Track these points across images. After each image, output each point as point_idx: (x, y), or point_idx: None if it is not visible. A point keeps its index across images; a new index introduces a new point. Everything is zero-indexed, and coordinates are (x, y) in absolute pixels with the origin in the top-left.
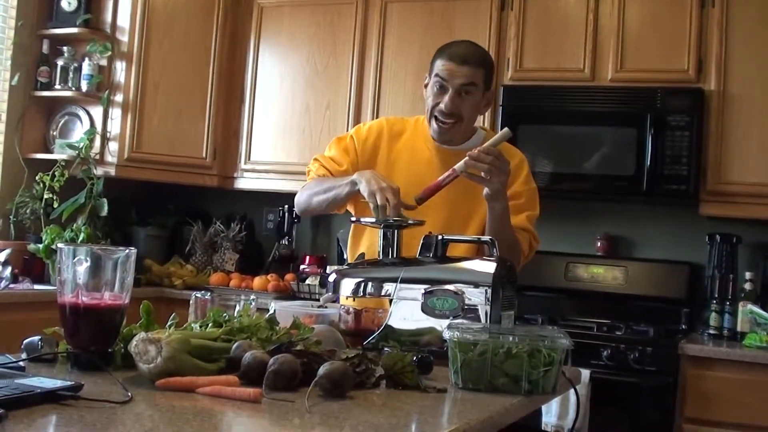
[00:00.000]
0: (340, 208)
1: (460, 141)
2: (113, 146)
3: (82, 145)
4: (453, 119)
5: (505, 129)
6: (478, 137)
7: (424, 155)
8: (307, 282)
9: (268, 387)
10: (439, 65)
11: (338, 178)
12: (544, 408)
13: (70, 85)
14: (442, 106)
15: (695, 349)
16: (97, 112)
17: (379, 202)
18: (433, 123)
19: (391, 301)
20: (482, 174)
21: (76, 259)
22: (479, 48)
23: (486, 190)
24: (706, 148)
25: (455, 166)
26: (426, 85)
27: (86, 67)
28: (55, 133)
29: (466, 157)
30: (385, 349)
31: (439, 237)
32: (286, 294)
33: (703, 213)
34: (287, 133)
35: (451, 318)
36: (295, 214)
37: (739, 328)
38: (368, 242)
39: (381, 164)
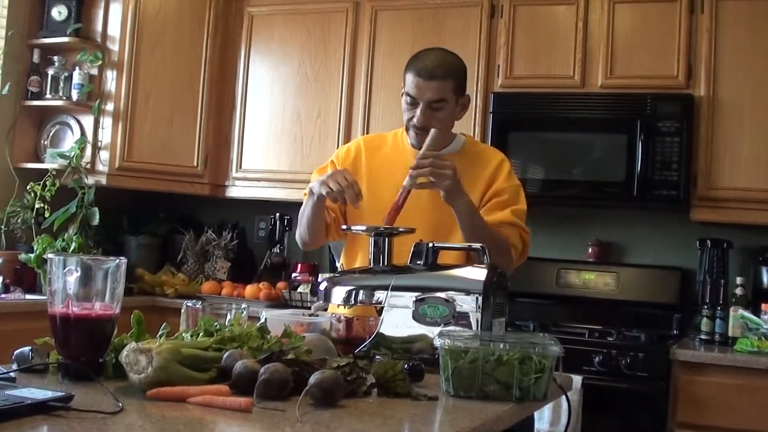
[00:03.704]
0: (327, 228)
1: (439, 147)
2: (104, 155)
3: (73, 154)
4: (425, 132)
5: (432, 130)
6: (458, 143)
7: (406, 165)
8: (299, 290)
9: (259, 396)
10: (409, 81)
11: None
12: (536, 414)
13: (60, 94)
14: (414, 120)
15: (687, 355)
16: (87, 121)
17: (333, 187)
18: (411, 132)
19: (381, 309)
20: (430, 179)
21: (66, 269)
22: (447, 57)
23: (442, 193)
24: (696, 153)
25: (404, 183)
26: (402, 94)
27: (77, 77)
28: (46, 142)
29: (410, 170)
30: (377, 357)
31: (430, 244)
32: (277, 302)
33: (693, 218)
34: (278, 141)
35: (442, 325)
36: (287, 221)
37: (730, 333)
38: (363, 253)
39: (363, 178)
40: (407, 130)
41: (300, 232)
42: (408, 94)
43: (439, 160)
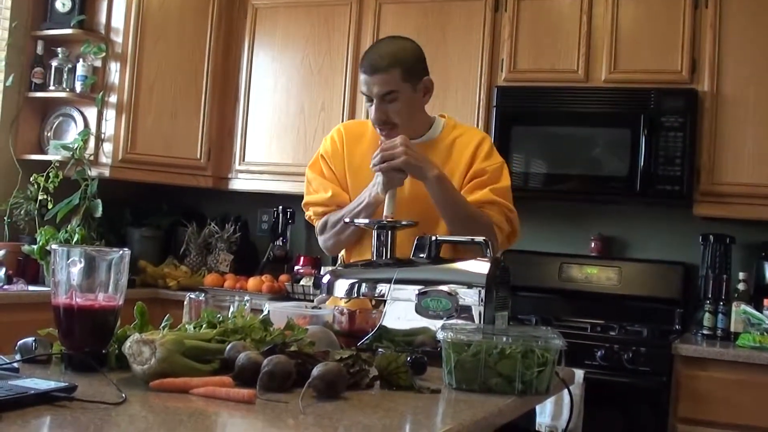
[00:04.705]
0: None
1: (417, 135)
2: (107, 147)
3: (76, 146)
4: (387, 126)
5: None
6: (435, 129)
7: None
8: (302, 283)
9: (261, 388)
10: (360, 78)
11: (352, 205)
12: (538, 408)
13: (64, 86)
14: (371, 117)
15: (689, 350)
16: (91, 113)
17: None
18: (377, 129)
19: (374, 301)
20: (388, 166)
21: (70, 260)
22: (392, 46)
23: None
24: (699, 148)
25: (378, 191)
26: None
27: (80, 68)
28: (49, 134)
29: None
30: (379, 349)
31: (433, 238)
32: (280, 295)
33: (696, 213)
34: (282, 133)
35: (444, 318)
36: (290, 214)
37: (732, 329)
38: (365, 246)
39: (349, 170)
40: (375, 126)
41: (340, 239)
42: (363, 93)
43: (388, 144)
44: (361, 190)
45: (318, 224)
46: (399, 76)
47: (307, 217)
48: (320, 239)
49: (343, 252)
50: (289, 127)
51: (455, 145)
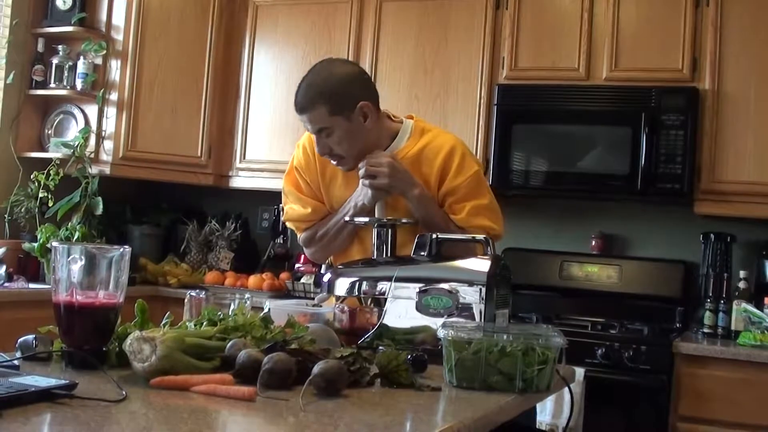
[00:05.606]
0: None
1: (383, 146)
2: (108, 145)
3: (77, 143)
4: (335, 158)
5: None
6: (403, 135)
7: (357, 171)
8: (302, 281)
9: (262, 385)
10: None
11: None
12: (538, 406)
13: (65, 83)
14: (316, 150)
15: (689, 348)
16: (92, 110)
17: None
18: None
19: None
20: (371, 183)
21: (70, 257)
22: (315, 81)
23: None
24: (700, 147)
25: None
26: None
27: (81, 66)
28: (50, 131)
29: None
30: (380, 347)
31: (434, 236)
32: (281, 293)
33: (697, 212)
34: (282, 131)
35: (445, 316)
36: None
37: (733, 327)
38: (356, 247)
39: (322, 182)
40: None
41: (330, 248)
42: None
43: (373, 159)
44: (336, 200)
45: (302, 237)
46: (326, 112)
47: (289, 227)
48: (307, 251)
49: (331, 258)
50: (290, 124)
51: (423, 155)
